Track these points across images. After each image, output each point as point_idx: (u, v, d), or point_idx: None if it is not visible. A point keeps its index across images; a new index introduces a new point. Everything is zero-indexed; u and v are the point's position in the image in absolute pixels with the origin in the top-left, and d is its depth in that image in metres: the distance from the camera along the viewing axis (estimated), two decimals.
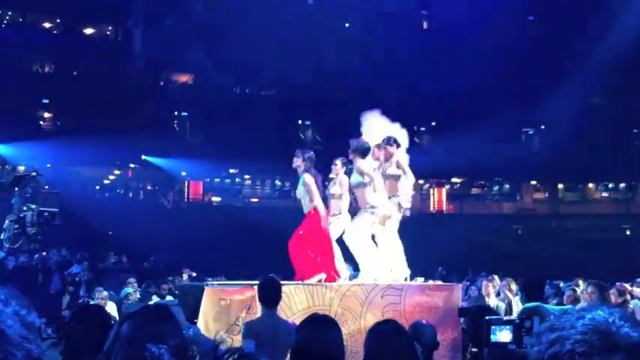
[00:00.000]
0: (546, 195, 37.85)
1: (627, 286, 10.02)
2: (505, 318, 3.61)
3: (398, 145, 8.80)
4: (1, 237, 10.91)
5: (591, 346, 1.27)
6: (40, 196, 12.66)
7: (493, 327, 3.40)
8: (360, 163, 8.31)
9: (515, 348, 3.29)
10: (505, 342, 3.37)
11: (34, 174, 12.57)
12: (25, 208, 10.92)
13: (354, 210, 8.65)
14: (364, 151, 8.43)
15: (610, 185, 37.12)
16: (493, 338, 3.39)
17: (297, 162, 8.39)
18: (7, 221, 10.89)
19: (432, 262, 16.62)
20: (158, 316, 2.16)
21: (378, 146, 8.76)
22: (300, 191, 8.38)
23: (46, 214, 11.16)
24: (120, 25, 33.89)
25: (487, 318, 3.53)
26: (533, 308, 5.51)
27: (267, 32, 27.25)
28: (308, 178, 8.22)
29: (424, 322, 5.15)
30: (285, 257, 8.35)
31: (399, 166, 8.68)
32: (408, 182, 8.74)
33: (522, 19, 30.75)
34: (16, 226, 10.74)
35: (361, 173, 8.28)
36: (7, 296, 1.14)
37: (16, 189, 11.11)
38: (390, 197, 8.61)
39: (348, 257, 8.93)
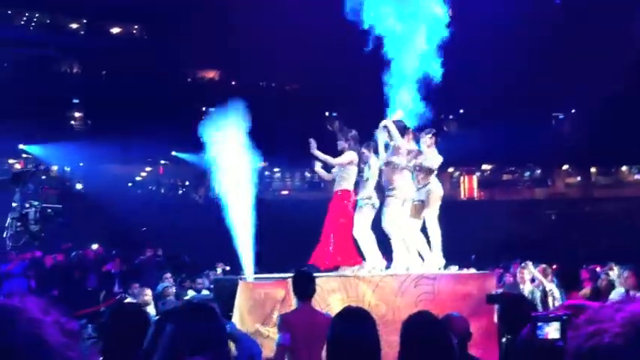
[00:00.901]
0: (579, 179, 37.35)
1: None
2: (552, 315, 3.53)
3: (434, 135, 8.80)
4: (4, 235, 10.91)
5: (629, 339, 1.25)
6: (42, 193, 12.73)
7: (540, 323, 3.34)
8: (400, 141, 8.34)
9: (562, 345, 3.23)
10: (553, 338, 3.31)
11: (33, 170, 12.64)
12: (27, 205, 10.90)
13: (381, 189, 8.67)
14: (402, 129, 8.47)
15: None
16: (539, 334, 3.33)
17: (342, 144, 8.46)
18: (9, 219, 10.86)
19: (465, 250, 16.49)
20: (201, 317, 2.17)
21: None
22: (339, 160, 8.49)
23: (49, 210, 11.17)
24: (146, 24, 34.15)
25: (533, 314, 3.48)
26: (578, 306, 5.42)
27: (290, 26, 27.22)
28: (348, 154, 8.29)
29: (455, 314, 5.14)
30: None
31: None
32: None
33: (549, 1, 30.28)
34: (19, 223, 10.71)
35: (398, 149, 8.29)
36: (47, 305, 1.15)
37: (17, 186, 11.10)
38: (422, 186, 8.60)
39: (380, 247, 8.92)
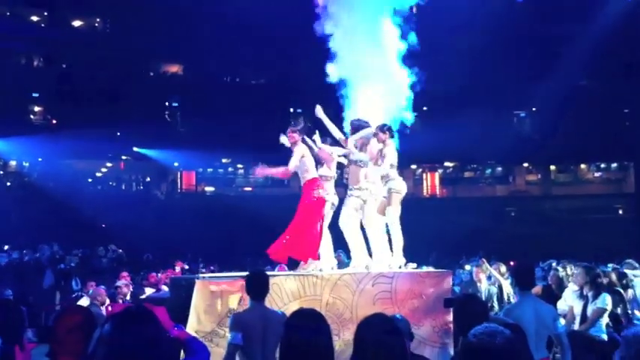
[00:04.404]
0: (539, 177, 37.90)
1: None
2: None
3: (391, 135, 8.74)
4: None
5: None
6: None
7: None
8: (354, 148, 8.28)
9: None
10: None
11: None
12: None
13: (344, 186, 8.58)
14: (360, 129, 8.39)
15: (602, 166, 37.19)
16: None
17: (295, 137, 8.25)
18: None
19: (426, 247, 16.63)
20: (137, 321, 2.13)
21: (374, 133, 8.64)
22: (293, 163, 8.13)
23: None
24: (108, 17, 33.65)
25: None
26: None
27: (255, 20, 27.09)
28: (301, 149, 8.12)
29: (398, 316, 5.27)
30: None
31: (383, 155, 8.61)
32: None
33: (510, 0, 30.63)
34: None
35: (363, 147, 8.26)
36: None
37: None
38: (384, 183, 8.57)
39: (342, 245, 8.91)
